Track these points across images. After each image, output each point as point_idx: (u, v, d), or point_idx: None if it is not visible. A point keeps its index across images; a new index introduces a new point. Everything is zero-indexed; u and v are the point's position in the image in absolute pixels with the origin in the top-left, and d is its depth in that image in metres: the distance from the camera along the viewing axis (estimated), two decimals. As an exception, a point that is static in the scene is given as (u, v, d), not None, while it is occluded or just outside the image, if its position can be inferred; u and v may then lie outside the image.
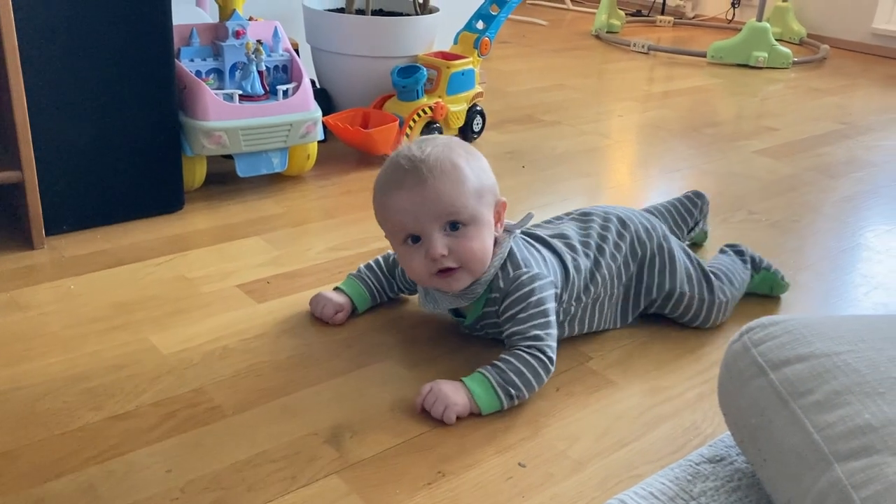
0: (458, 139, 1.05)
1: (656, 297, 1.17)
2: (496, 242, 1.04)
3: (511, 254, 1.05)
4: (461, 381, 0.98)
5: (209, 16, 1.73)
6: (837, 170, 1.94)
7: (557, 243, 1.12)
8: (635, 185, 1.82)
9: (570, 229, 1.17)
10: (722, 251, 1.31)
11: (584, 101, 2.46)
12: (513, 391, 0.97)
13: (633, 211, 1.23)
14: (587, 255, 1.13)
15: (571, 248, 1.13)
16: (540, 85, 2.63)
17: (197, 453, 0.89)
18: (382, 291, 1.20)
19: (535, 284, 1.03)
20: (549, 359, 1.00)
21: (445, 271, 1.00)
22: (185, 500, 0.82)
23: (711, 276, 1.19)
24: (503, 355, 1.00)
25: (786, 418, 0.73)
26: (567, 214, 1.23)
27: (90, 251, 1.33)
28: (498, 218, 1.04)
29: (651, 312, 1.19)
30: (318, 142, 1.64)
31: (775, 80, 2.89)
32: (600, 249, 1.14)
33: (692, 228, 1.39)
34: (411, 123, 1.79)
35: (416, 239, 1.00)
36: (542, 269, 1.06)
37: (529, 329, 1.01)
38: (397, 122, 1.77)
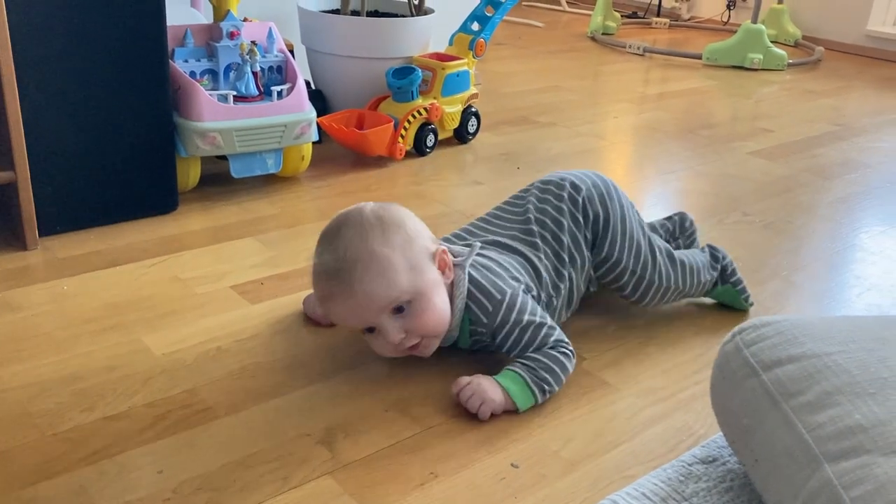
0: (364, 206, 1.02)
1: (598, 260, 1.14)
2: (454, 284, 1.04)
3: (476, 286, 1.04)
4: (495, 379, 0.99)
5: (203, 16, 1.73)
6: (832, 171, 1.95)
7: (519, 246, 1.11)
8: (631, 187, 1.82)
9: (529, 213, 1.14)
10: (702, 248, 1.29)
11: (580, 103, 2.46)
12: (546, 387, 0.99)
13: (591, 175, 1.18)
14: (546, 239, 1.11)
15: (533, 245, 1.11)
16: (535, 86, 2.63)
17: (189, 454, 0.89)
18: None
19: (517, 307, 1.02)
20: (572, 351, 1.03)
21: (413, 346, 1.01)
22: (177, 500, 0.82)
23: (660, 257, 1.16)
24: (530, 354, 1.01)
25: (777, 419, 0.73)
26: (527, 189, 1.19)
27: (84, 252, 1.32)
28: (443, 266, 1.02)
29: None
30: (313, 143, 1.64)
31: (770, 82, 2.90)
32: (558, 224, 1.11)
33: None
34: (406, 124, 1.80)
35: (370, 329, 1.01)
36: (510, 283, 1.05)
37: (542, 341, 1.02)
38: (392, 124, 1.77)
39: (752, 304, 1.26)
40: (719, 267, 1.24)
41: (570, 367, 1.03)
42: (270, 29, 1.63)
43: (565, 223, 1.12)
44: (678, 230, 1.35)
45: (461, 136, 1.97)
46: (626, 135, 2.20)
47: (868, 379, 0.71)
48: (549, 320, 1.04)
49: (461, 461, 0.90)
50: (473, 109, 1.97)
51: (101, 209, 1.41)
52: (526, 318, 1.02)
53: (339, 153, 1.84)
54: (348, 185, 1.68)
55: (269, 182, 1.66)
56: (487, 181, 1.73)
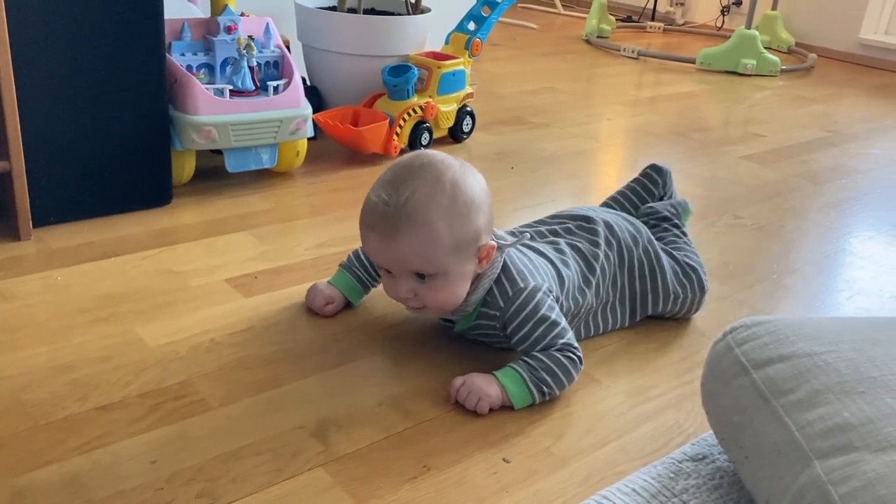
0: (450, 165, 0.98)
1: (651, 302, 1.18)
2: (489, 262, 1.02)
3: (506, 267, 1.03)
4: (493, 374, 0.99)
5: (201, 11, 1.73)
6: (823, 176, 1.97)
7: (548, 249, 1.12)
8: (623, 188, 1.82)
9: (560, 235, 1.18)
10: (646, 174, 1.34)
11: (574, 105, 2.47)
12: (545, 388, 0.99)
13: (616, 214, 1.24)
14: (577, 262, 1.13)
15: (561, 252, 1.13)
16: (530, 87, 2.64)
17: (182, 445, 0.89)
18: (373, 280, 1.19)
19: (537, 299, 1.01)
20: (580, 357, 1.01)
21: (416, 308, 1.02)
22: (169, 491, 0.82)
23: (690, 268, 1.21)
24: (535, 353, 1.00)
25: (767, 416, 0.74)
26: (553, 218, 1.24)
27: (77, 243, 1.32)
28: (483, 259, 1.00)
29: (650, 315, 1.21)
30: (308, 139, 1.64)
31: (763, 88, 2.92)
32: (594, 256, 1.14)
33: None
34: (401, 122, 1.80)
35: (389, 271, 1.01)
36: (536, 280, 1.04)
37: (551, 340, 1.01)
38: (387, 121, 1.77)
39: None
40: (670, 201, 1.32)
41: (575, 373, 1.01)
42: (268, 24, 1.63)
43: (610, 265, 1.16)
44: (652, 185, 1.35)
45: (456, 135, 1.97)
46: (619, 137, 2.21)
47: (857, 378, 0.72)
48: (563, 322, 1.03)
49: (453, 455, 0.91)
50: (468, 109, 1.98)
51: (95, 201, 1.41)
52: (542, 312, 1.01)
53: (334, 150, 1.84)
54: (342, 181, 1.68)
55: (264, 177, 1.66)
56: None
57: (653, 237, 1.22)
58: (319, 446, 0.90)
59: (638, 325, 1.20)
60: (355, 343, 1.11)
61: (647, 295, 1.18)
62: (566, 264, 1.11)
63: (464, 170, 0.99)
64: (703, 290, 1.21)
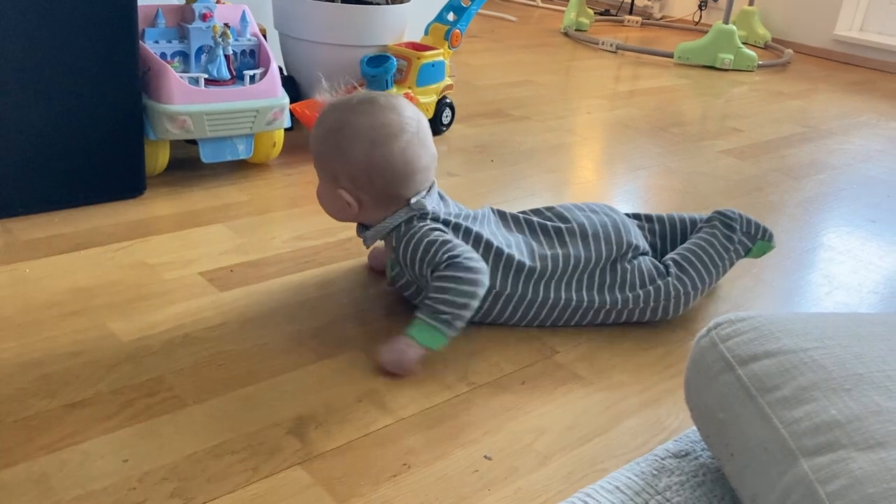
0: (365, 114, 1.07)
1: (610, 307, 1.15)
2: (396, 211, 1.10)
3: (410, 221, 1.09)
4: (404, 334, 1.02)
5: (175, -2, 1.69)
6: (800, 171, 1.97)
7: (490, 238, 1.12)
8: (601, 182, 1.82)
9: (524, 230, 1.18)
10: (711, 223, 1.26)
11: (553, 98, 2.46)
12: (444, 316, 1.01)
13: (608, 214, 1.21)
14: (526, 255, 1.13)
15: (512, 246, 1.14)
16: (509, 80, 2.63)
17: (155, 443, 0.86)
18: None
19: (424, 228, 1.07)
20: (468, 268, 1.02)
21: None
22: (142, 490, 0.80)
23: (671, 279, 1.16)
24: (430, 292, 1.04)
25: (753, 413, 0.74)
26: (548, 209, 1.23)
27: (47, 235, 1.29)
28: (347, 200, 1.09)
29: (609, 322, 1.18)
30: (285, 129, 1.62)
31: (740, 83, 2.93)
32: (541, 256, 1.14)
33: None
34: (380, 114, 1.77)
35: None
36: (437, 226, 1.08)
37: (440, 257, 1.04)
38: (366, 112, 1.74)
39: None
40: (738, 234, 1.24)
41: (466, 275, 1.02)
42: (244, 12, 1.60)
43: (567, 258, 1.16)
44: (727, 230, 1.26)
45: (435, 126, 1.95)
46: (598, 130, 2.20)
47: (843, 375, 0.71)
48: (453, 242, 1.05)
49: (434, 453, 0.89)
50: (448, 100, 1.96)
51: (66, 191, 1.37)
52: (428, 238, 1.06)
53: (311, 141, 1.81)
54: (320, 173, 1.66)
55: (240, 168, 1.63)
56: (461, 173, 1.72)
57: (636, 243, 1.18)
58: (297, 444, 0.88)
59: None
60: (334, 338, 1.09)
61: (605, 298, 1.15)
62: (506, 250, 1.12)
63: (373, 133, 1.06)
64: (668, 297, 1.16)
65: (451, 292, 1.01)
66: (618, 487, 0.83)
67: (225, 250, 1.30)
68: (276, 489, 0.82)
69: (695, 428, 0.91)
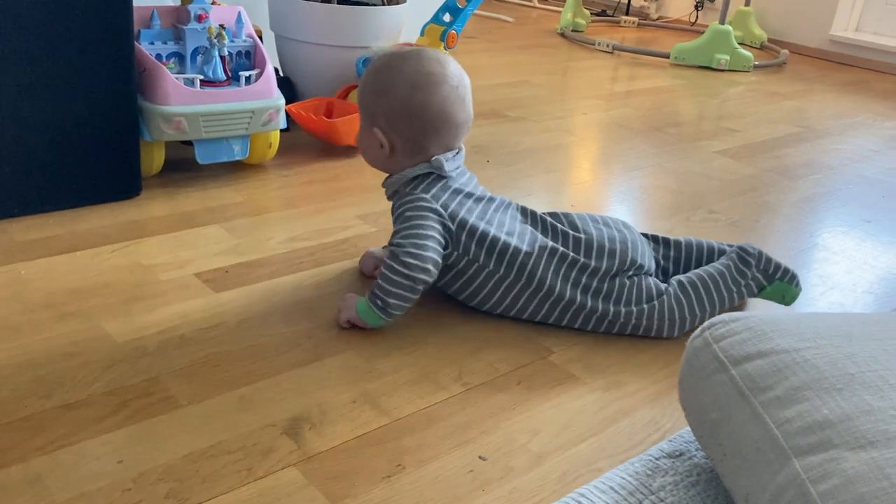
0: (408, 60, 1.14)
1: (601, 314, 1.14)
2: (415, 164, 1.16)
3: (419, 178, 1.15)
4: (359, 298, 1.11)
5: (171, -1, 1.69)
6: (796, 172, 1.98)
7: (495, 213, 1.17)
8: (597, 182, 1.82)
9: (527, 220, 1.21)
10: (728, 255, 1.22)
11: (549, 98, 2.47)
12: (377, 301, 1.08)
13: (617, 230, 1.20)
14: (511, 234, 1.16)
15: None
16: (505, 80, 2.63)
17: (150, 444, 0.86)
18: None
19: (415, 202, 1.12)
20: (402, 262, 1.07)
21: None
22: (136, 491, 0.80)
23: (666, 297, 1.14)
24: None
25: (746, 413, 0.74)
26: (564, 215, 1.23)
27: (42, 236, 1.29)
28: (381, 139, 1.15)
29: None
30: (281, 130, 1.62)
31: (736, 83, 2.93)
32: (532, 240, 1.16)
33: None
34: (376, 114, 1.78)
35: None
36: (429, 202, 1.12)
37: (397, 238, 1.10)
38: (362, 113, 1.75)
39: (801, 290, 1.25)
40: (752, 273, 1.20)
41: (399, 268, 1.06)
42: (239, 13, 1.60)
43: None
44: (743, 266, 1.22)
45: (431, 127, 1.95)
46: (595, 131, 2.20)
47: (836, 375, 0.72)
48: (421, 223, 1.09)
49: (428, 453, 0.89)
50: (443, 101, 1.96)
51: (61, 193, 1.37)
52: (408, 212, 1.11)
53: (307, 142, 1.81)
54: (315, 174, 1.66)
55: (235, 169, 1.63)
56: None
57: (637, 261, 1.17)
58: (292, 445, 0.88)
59: (614, 320, 1.20)
60: (329, 339, 1.09)
61: (596, 308, 1.14)
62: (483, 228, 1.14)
63: (416, 78, 1.12)
64: (661, 318, 1.14)
65: (386, 280, 1.08)
66: (612, 488, 0.84)
67: (220, 251, 1.30)
68: (271, 490, 0.82)
69: (689, 428, 0.91)
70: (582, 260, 1.14)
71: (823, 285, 1.39)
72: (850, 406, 0.69)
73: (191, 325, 1.09)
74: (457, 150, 1.19)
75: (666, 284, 1.17)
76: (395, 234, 1.12)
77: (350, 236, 1.39)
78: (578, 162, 1.96)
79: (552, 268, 1.13)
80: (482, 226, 1.13)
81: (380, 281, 1.08)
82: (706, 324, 0.84)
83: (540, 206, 1.26)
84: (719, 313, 1.10)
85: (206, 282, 1.20)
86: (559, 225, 1.19)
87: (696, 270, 1.20)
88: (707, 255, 1.26)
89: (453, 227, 1.12)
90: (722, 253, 1.26)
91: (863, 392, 0.69)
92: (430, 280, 1.08)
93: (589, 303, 1.14)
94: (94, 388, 0.94)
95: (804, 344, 0.76)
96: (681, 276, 1.19)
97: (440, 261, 1.10)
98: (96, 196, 1.41)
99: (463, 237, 1.12)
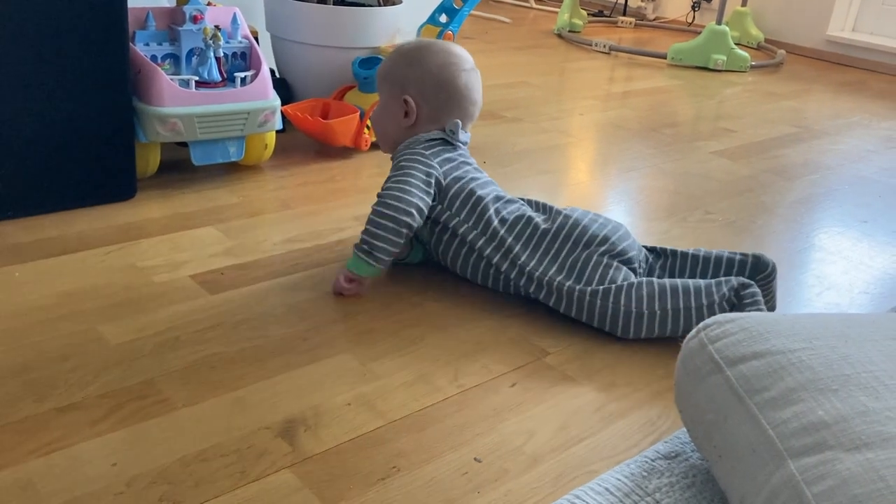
0: (433, 44, 1.30)
1: (561, 290, 1.15)
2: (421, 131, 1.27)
3: (418, 140, 1.24)
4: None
5: None
6: (793, 172, 1.98)
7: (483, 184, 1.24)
8: (594, 183, 1.82)
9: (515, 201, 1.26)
10: (723, 280, 1.13)
11: (546, 99, 2.46)
12: (364, 244, 1.15)
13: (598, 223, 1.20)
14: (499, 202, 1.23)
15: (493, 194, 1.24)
16: (502, 81, 2.63)
17: (144, 447, 0.86)
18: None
19: (412, 155, 1.21)
20: (387, 204, 1.14)
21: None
22: (130, 495, 0.80)
23: (625, 285, 1.12)
24: None
25: (741, 415, 0.73)
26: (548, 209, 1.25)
27: (37, 238, 1.28)
28: (408, 108, 1.26)
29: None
30: (277, 131, 1.62)
31: (733, 83, 2.93)
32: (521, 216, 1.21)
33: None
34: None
35: None
36: (426, 157, 1.21)
37: (384, 185, 1.19)
38: (358, 114, 1.75)
39: None
40: (729, 297, 1.12)
41: (381, 209, 1.14)
42: (235, 14, 1.60)
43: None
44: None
45: (427, 128, 1.95)
46: (591, 132, 2.20)
47: (831, 376, 0.71)
48: (411, 172, 1.18)
49: (423, 456, 0.89)
50: (440, 102, 1.96)
51: (56, 195, 1.37)
52: (403, 163, 1.20)
53: (303, 143, 1.81)
54: (312, 175, 1.66)
55: (231, 170, 1.62)
56: (453, 174, 1.72)
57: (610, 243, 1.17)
58: (287, 447, 0.88)
59: (610, 321, 1.19)
60: (323, 341, 1.08)
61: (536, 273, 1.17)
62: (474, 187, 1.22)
63: (446, 57, 1.27)
64: (616, 302, 1.12)
65: (371, 224, 1.15)
66: (607, 489, 0.83)
67: (215, 253, 1.29)
68: (265, 493, 0.82)
69: (685, 429, 0.91)
70: (554, 228, 1.18)
71: (820, 286, 1.39)
72: (846, 407, 0.68)
73: (186, 327, 1.08)
74: (466, 130, 1.29)
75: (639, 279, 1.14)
76: (386, 181, 1.20)
77: (346, 237, 1.39)
78: (575, 163, 1.96)
79: (517, 230, 1.18)
80: (471, 185, 1.21)
81: (367, 226, 1.16)
82: (701, 325, 0.84)
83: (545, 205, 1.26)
84: (687, 324, 1.10)
85: (202, 283, 1.20)
86: (551, 205, 1.24)
87: (675, 279, 1.16)
88: (703, 263, 1.21)
89: (444, 182, 1.20)
90: (731, 264, 1.20)
91: (858, 393, 0.69)
92: (415, 224, 1.16)
93: (549, 274, 1.15)
94: (88, 391, 0.94)
95: (800, 345, 0.75)
96: (653, 278, 1.16)
97: (424, 208, 1.17)
98: (91, 198, 1.41)
99: (450, 194, 1.20)
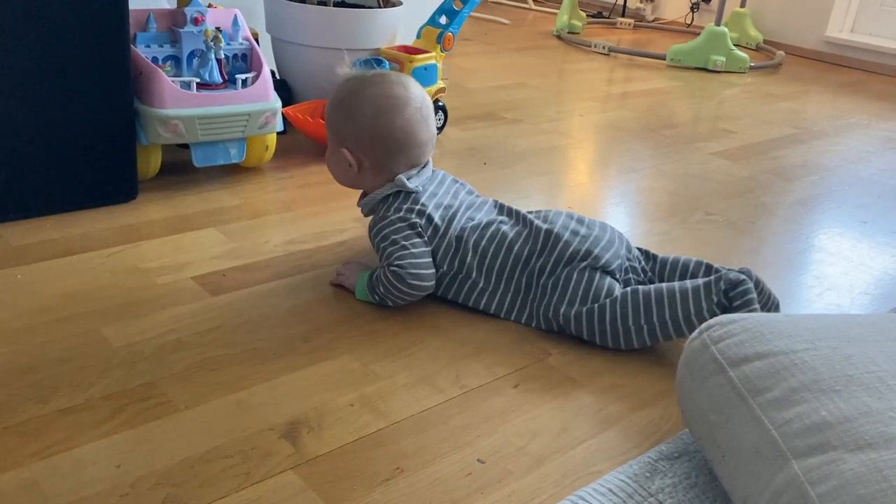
0: (374, 84, 1.21)
1: (552, 316, 1.14)
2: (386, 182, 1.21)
3: (393, 197, 1.20)
4: (364, 270, 1.19)
5: (167, 1, 1.69)
6: (792, 173, 1.98)
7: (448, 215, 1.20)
8: (594, 184, 1.82)
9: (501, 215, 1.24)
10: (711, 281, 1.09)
11: (545, 100, 2.47)
12: (376, 295, 1.16)
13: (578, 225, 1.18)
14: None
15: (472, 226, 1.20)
16: (501, 83, 2.63)
17: (147, 448, 0.86)
18: None
19: (393, 224, 1.17)
20: (409, 284, 1.13)
21: None
22: (134, 496, 0.80)
23: (608, 301, 1.10)
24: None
25: (744, 415, 0.74)
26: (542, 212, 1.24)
27: (39, 240, 1.28)
28: (351, 159, 1.21)
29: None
30: (278, 133, 1.62)
31: (732, 84, 2.94)
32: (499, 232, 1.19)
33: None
34: (372, 117, 1.77)
35: None
36: (404, 216, 1.17)
37: (386, 259, 1.15)
38: (358, 116, 1.75)
39: None
40: (718, 298, 1.07)
41: (394, 285, 1.13)
42: (236, 16, 1.60)
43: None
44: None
45: (427, 130, 1.95)
46: (591, 133, 2.21)
47: (833, 376, 0.72)
48: (405, 244, 1.15)
49: (426, 457, 0.89)
50: (440, 103, 1.96)
51: (57, 196, 1.37)
52: (392, 234, 1.16)
53: (304, 144, 1.81)
54: (312, 176, 1.66)
55: (232, 172, 1.63)
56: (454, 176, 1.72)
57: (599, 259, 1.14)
58: (290, 448, 0.88)
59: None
60: (326, 343, 1.08)
61: (548, 307, 1.14)
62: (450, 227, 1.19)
63: (380, 102, 1.18)
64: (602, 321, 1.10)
65: (388, 286, 1.14)
66: (610, 490, 0.83)
67: (217, 254, 1.30)
68: (269, 494, 0.82)
69: (687, 430, 0.91)
70: (529, 245, 1.16)
71: (820, 287, 1.39)
72: (849, 408, 0.69)
73: (188, 329, 1.08)
74: (423, 166, 1.23)
75: (624, 289, 1.12)
76: (387, 255, 1.15)
77: (347, 239, 1.39)
78: (575, 164, 1.96)
79: (496, 268, 1.17)
80: (445, 227, 1.18)
81: (381, 283, 1.15)
82: (704, 325, 0.84)
83: (536, 209, 1.26)
84: (678, 332, 1.08)
85: (203, 285, 1.20)
86: (533, 218, 1.20)
87: (660, 284, 1.13)
88: (694, 269, 1.18)
89: (422, 223, 1.18)
90: (709, 270, 1.17)
91: (861, 393, 0.69)
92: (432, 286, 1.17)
93: (532, 290, 1.16)
94: (90, 393, 0.94)
95: (802, 346, 0.76)
96: (640, 285, 1.13)
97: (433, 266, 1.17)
98: (93, 200, 1.41)
99: (429, 231, 1.18)
